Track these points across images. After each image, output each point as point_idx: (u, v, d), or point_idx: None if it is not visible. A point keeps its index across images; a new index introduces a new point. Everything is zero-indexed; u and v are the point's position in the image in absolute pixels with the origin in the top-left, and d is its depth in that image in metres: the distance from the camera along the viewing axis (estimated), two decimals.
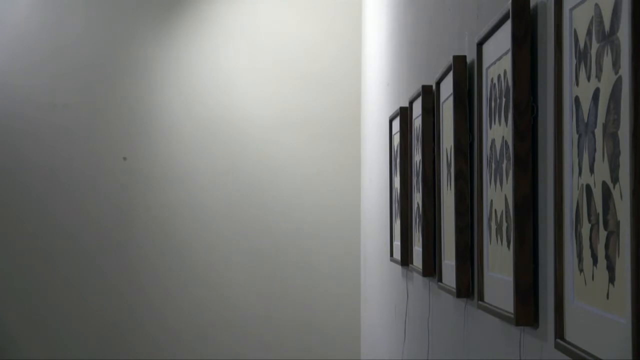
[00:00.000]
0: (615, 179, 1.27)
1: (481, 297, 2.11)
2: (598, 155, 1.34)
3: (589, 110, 1.38)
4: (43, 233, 5.93)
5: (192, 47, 5.99)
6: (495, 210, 1.99)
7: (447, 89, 2.54)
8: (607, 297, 1.31)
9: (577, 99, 1.45)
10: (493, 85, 2.03)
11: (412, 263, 3.38)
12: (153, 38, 5.99)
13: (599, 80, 1.34)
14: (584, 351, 1.39)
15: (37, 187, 5.95)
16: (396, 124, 3.77)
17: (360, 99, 5.98)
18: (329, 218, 5.99)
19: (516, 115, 1.75)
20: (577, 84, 1.45)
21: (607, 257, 1.30)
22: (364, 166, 5.78)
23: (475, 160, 2.22)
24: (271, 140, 5.99)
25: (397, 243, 3.76)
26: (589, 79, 1.39)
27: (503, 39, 1.91)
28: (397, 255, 3.72)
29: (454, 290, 2.37)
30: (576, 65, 1.45)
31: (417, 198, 3.15)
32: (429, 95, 2.90)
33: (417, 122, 3.18)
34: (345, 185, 6.00)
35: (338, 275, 5.98)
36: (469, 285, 2.31)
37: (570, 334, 1.47)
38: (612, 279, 1.29)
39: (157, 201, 5.97)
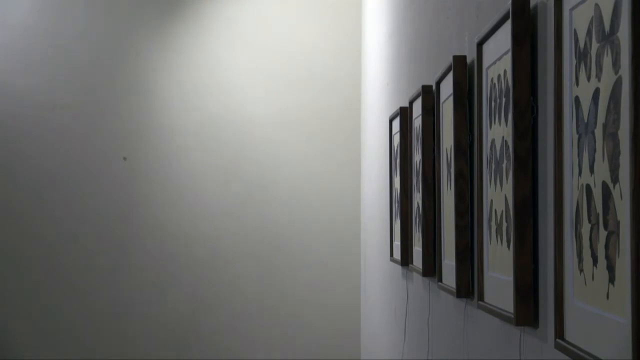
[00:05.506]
0: (615, 179, 1.27)
1: (481, 297, 2.11)
2: (598, 155, 1.34)
3: (589, 110, 1.38)
4: (43, 233, 5.93)
5: (193, 47, 5.99)
6: (495, 210, 1.99)
7: (447, 89, 2.54)
8: (607, 297, 1.31)
9: (577, 99, 1.45)
10: (493, 85, 2.03)
11: (412, 263, 3.38)
12: (153, 38, 5.99)
13: (599, 80, 1.34)
14: (584, 351, 1.39)
15: (37, 187, 5.95)
16: (396, 124, 3.77)
17: (360, 99, 5.98)
18: (329, 218, 5.99)
19: (516, 115, 1.75)
20: (577, 84, 1.45)
21: (607, 257, 1.30)
22: (364, 166, 5.78)
23: (475, 160, 2.22)
24: (271, 140, 5.99)
25: (397, 243, 3.76)
26: (589, 79, 1.39)
27: (503, 39, 1.91)
28: (397, 255, 3.72)
29: (454, 290, 2.37)
30: (576, 65, 1.45)
31: (417, 198, 3.15)
32: (429, 95, 2.90)
33: (417, 122, 3.18)
34: (345, 185, 6.00)
35: (338, 275, 5.98)
36: (469, 285, 2.31)
37: (570, 334, 1.47)
38: (612, 279, 1.29)
39: (157, 201, 5.97)
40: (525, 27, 1.75)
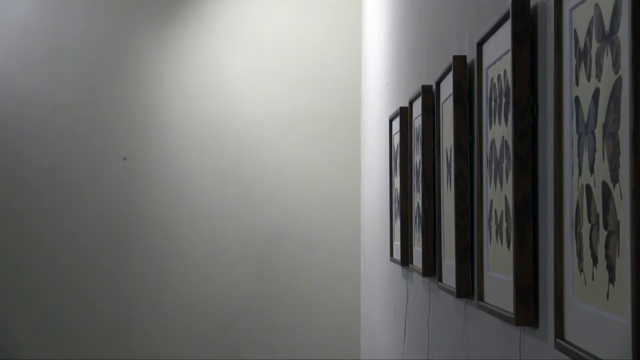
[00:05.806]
0: (615, 179, 1.27)
1: (481, 297, 2.11)
2: (598, 155, 1.34)
3: (589, 110, 1.38)
4: (43, 233, 5.93)
5: (193, 47, 5.99)
6: (495, 210, 1.99)
7: (447, 89, 2.54)
8: (607, 297, 1.31)
9: (577, 99, 1.45)
10: (493, 85, 2.03)
11: (412, 263, 3.38)
12: (153, 38, 5.99)
13: (599, 80, 1.34)
14: (584, 351, 1.39)
15: (37, 187, 5.95)
16: (396, 124, 3.77)
17: (360, 99, 5.98)
18: (329, 218, 5.99)
19: (516, 115, 1.75)
20: (577, 84, 1.45)
21: (607, 257, 1.30)
22: (364, 166, 5.78)
23: (475, 160, 2.22)
24: (271, 140, 5.99)
25: (397, 243, 3.76)
26: (589, 79, 1.39)
27: (503, 39, 1.91)
28: (397, 255, 3.72)
29: (454, 290, 2.37)
30: (576, 65, 1.45)
31: (417, 198, 3.15)
32: (429, 95, 2.90)
33: (417, 122, 3.18)
34: (345, 185, 6.00)
35: (338, 275, 5.98)
36: (469, 285, 2.32)
37: (570, 334, 1.47)
38: (612, 279, 1.29)
39: (157, 201, 5.97)
40: (525, 27, 1.75)
